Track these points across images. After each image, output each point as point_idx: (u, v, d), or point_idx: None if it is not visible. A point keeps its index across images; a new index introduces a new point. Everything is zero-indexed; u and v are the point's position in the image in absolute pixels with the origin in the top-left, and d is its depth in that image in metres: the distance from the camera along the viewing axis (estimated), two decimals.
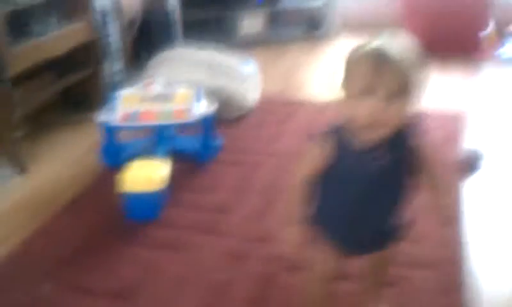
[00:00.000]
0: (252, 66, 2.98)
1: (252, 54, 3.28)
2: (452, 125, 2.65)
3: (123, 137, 2.35)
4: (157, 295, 1.60)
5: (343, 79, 1.08)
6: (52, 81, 2.71)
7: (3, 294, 1.62)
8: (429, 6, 3.63)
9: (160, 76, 2.55)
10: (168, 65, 2.80)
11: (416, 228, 1.34)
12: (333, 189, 1.18)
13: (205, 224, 1.93)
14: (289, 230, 1.21)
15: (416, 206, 1.27)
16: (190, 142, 2.40)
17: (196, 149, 2.36)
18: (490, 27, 3.65)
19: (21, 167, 2.33)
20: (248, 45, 3.88)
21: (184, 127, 2.37)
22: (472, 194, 2.06)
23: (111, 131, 2.24)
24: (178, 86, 2.32)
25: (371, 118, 1.02)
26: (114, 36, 3.05)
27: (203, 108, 2.29)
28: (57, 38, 2.61)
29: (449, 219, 1.23)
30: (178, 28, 3.80)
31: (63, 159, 2.45)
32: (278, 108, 2.94)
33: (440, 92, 3.04)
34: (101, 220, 1.97)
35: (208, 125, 2.30)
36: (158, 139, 2.32)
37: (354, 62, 1.05)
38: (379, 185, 1.13)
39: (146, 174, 1.92)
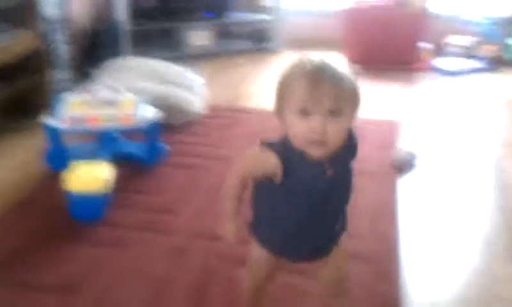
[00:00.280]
0: (198, 75, 3.04)
1: (200, 66, 3.34)
2: (389, 131, 2.81)
3: (68, 141, 2.36)
4: (101, 288, 1.62)
5: (279, 97, 1.08)
6: None
7: None
8: (368, 22, 3.80)
9: (107, 83, 2.58)
10: (115, 73, 2.83)
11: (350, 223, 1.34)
12: (279, 201, 1.15)
13: (149, 224, 1.97)
14: (225, 227, 1.21)
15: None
16: (136, 147, 2.43)
17: (142, 153, 2.39)
18: (427, 40, 3.88)
19: None
20: (197, 57, 3.95)
21: (129, 132, 2.40)
22: (406, 191, 2.22)
23: (55, 134, 2.25)
24: (124, 92, 2.36)
25: (311, 136, 1.03)
26: (62, 45, 3.06)
27: (148, 113, 2.33)
28: (4, 46, 2.61)
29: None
30: (127, 39, 3.83)
31: (8, 164, 2.44)
32: (225, 115, 3.02)
33: (378, 102, 3.21)
34: (46, 222, 1.97)
35: (153, 129, 2.34)
36: (103, 143, 2.35)
37: (290, 82, 1.05)
38: (327, 198, 1.14)
39: (90, 175, 1.94)
